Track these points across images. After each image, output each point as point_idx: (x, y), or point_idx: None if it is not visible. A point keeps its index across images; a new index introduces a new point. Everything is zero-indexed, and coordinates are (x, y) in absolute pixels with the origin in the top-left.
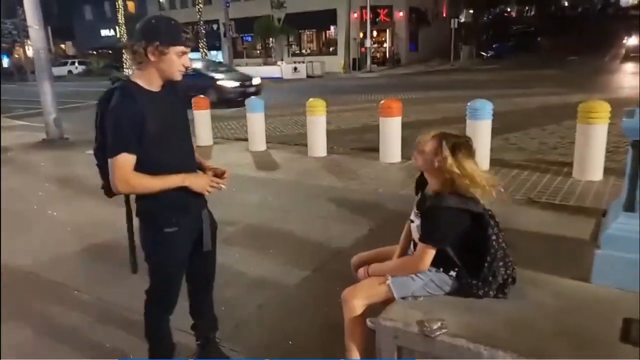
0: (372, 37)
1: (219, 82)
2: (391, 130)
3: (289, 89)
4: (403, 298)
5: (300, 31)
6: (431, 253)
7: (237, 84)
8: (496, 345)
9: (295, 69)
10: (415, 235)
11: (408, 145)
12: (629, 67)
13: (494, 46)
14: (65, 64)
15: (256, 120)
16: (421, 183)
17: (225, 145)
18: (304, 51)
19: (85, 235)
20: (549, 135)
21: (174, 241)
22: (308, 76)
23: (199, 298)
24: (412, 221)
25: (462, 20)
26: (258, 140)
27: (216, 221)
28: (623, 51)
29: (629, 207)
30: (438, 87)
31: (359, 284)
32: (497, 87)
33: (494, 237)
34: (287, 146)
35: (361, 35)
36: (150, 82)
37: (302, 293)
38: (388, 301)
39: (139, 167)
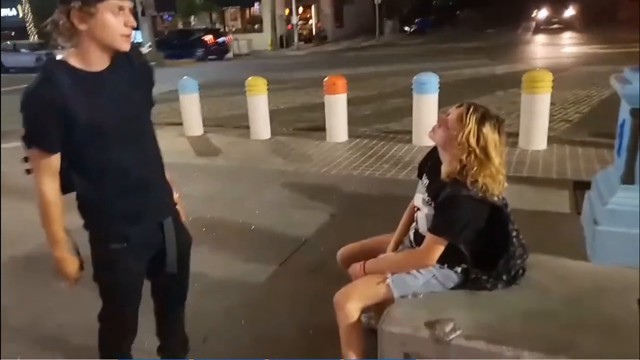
0: (297, 13)
1: None
2: (337, 108)
3: (217, 69)
4: (402, 297)
5: (223, 8)
6: (441, 247)
7: None
8: (519, 344)
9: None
10: (423, 225)
11: (352, 122)
12: (540, 38)
13: (416, 21)
14: None
15: (190, 102)
16: (426, 165)
17: (157, 130)
18: (227, 29)
19: (11, 243)
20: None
21: (124, 259)
22: (234, 55)
23: (166, 319)
24: (418, 209)
25: None
26: (194, 124)
27: (189, 234)
28: (534, 24)
29: (628, 179)
30: (367, 62)
31: (352, 284)
32: (424, 61)
33: (514, 234)
34: (226, 129)
35: (287, 11)
36: (87, 60)
37: (272, 292)
38: (386, 301)
39: (80, 173)
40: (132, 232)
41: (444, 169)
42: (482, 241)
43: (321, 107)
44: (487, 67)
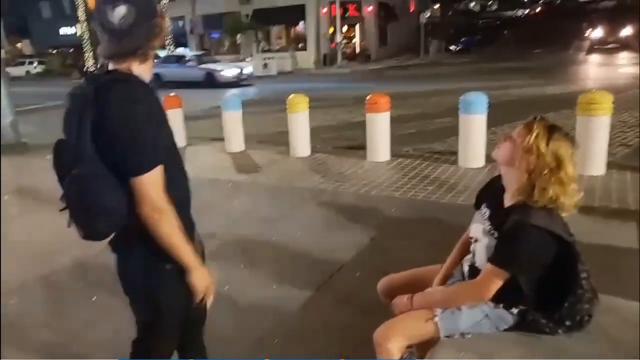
0: (342, 32)
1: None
2: (379, 126)
3: (261, 86)
4: (447, 336)
5: (268, 27)
6: (500, 280)
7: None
8: None
9: (265, 65)
10: (482, 257)
11: (395, 142)
12: (594, 58)
13: (461, 40)
14: (22, 63)
15: (233, 119)
16: (485, 196)
17: (200, 146)
18: (272, 47)
19: (49, 255)
20: None
21: (174, 279)
22: (278, 72)
23: (190, 333)
24: (476, 240)
25: (429, 14)
26: (235, 140)
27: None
28: (587, 43)
29: None
30: (411, 81)
31: (396, 319)
32: (471, 80)
33: (584, 275)
34: (267, 146)
35: (331, 30)
36: (148, 79)
37: (307, 319)
38: (430, 341)
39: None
40: None
41: (510, 190)
42: (545, 280)
43: (363, 125)
44: (536, 87)
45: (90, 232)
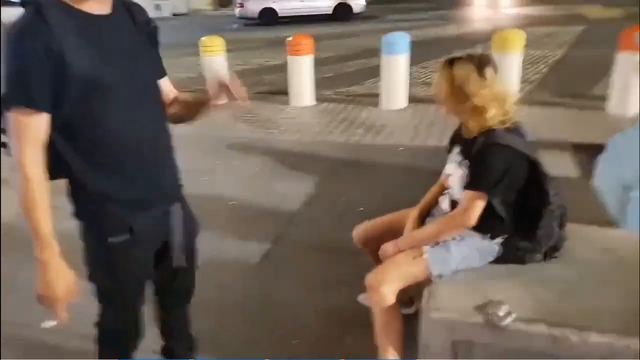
0: None
1: None
2: (302, 69)
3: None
4: (439, 275)
5: None
6: (480, 203)
7: None
8: (584, 326)
9: (158, 6)
10: (457, 187)
11: (319, 85)
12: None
13: None
14: None
15: None
16: (455, 138)
17: None
18: None
19: None
20: None
21: (127, 254)
22: (173, 14)
23: (171, 317)
24: (450, 174)
25: None
26: None
27: (197, 222)
28: None
29: None
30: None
31: (385, 264)
32: (373, 22)
33: (552, 192)
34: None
35: None
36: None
37: (273, 273)
38: (422, 282)
39: (73, 145)
40: (137, 221)
41: (469, 127)
42: (520, 205)
43: (279, 69)
44: (437, 27)
45: None
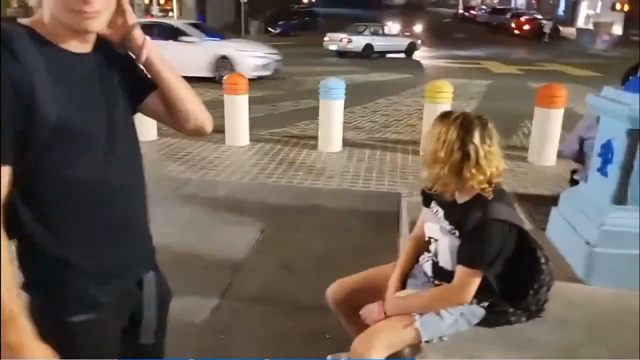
0: (158, 3)
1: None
2: (238, 109)
3: None
4: (426, 341)
5: None
6: (477, 280)
7: None
8: None
9: None
10: (446, 257)
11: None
12: None
13: (279, 23)
14: None
15: None
16: (431, 193)
17: None
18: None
19: None
20: (372, 114)
21: (89, 337)
22: None
23: None
24: (435, 240)
25: None
26: None
27: (169, 288)
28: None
29: (620, 200)
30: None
31: (373, 329)
32: (300, 64)
33: (542, 260)
34: None
35: (147, 1)
36: (55, 34)
37: (223, 331)
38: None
39: (31, 199)
40: (104, 294)
41: (456, 188)
42: (509, 271)
43: (212, 105)
44: (360, 74)
45: None
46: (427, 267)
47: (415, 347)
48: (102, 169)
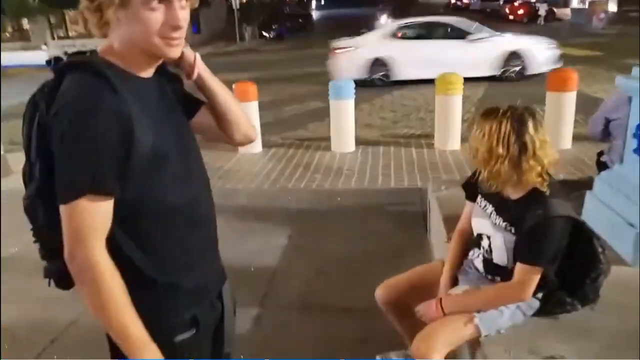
0: None
1: None
2: (250, 116)
3: None
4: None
5: (62, 10)
6: (537, 277)
7: None
8: None
9: (67, 53)
10: (501, 254)
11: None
12: None
13: (273, 27)
14: None
15: None
16: (476, 187)
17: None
18: (71, 33)
19: None
20: (380, 110)
21: (192, 353)
22: None
23: None
24: (487, 236)
25: (242, 0)
26: None
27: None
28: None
29: None
30: (238, 69)
31: (432, 328)
32: (299, 66)
33: (600, 250)
34: None
35: None
36: (130, 61)
37: (263, 335)
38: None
39: (129, 227)
40: (201, 311)
41: (509, 183)
42: (567, 261)
43: None
44: None
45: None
46: (479, 263)
47: (474, 342)
48: (188, 191)
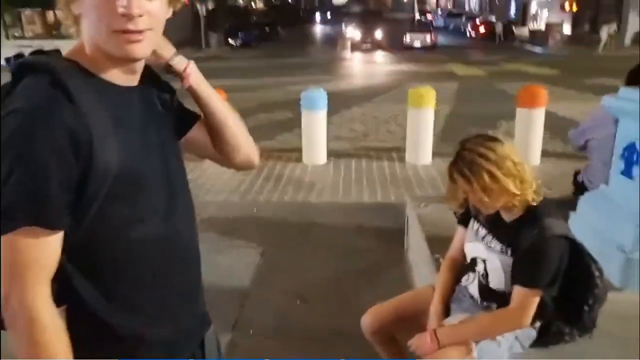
0: None
1: None
2: None
3: None
4: None
5: (19, 10)
6: (536, 301)
7: None
8: None
9: (20, 55)
10: (498, 278)
11: None
12: (357, 56)
13: (240, 35)
14: None
15: None
16: (468, 212)
17: None
18: (27, 34)
19: None
20: (350, 122)
21: None
22: None
23: None
24: (482, 260)
25: (209, 7)
26: None
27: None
28: (349, 43)
29: None
30: (207, 76)
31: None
32: (267, 75)
33: (597, 274)
34: None
35: None
36: (101, 66)
37: None
38: None
39: (87, 263)
40: None
41: (500, 207)
42: (562, 287)
43: None
44: (329, 83)
45: None
46: (473, 289)
47: None
48: (165, 224)
